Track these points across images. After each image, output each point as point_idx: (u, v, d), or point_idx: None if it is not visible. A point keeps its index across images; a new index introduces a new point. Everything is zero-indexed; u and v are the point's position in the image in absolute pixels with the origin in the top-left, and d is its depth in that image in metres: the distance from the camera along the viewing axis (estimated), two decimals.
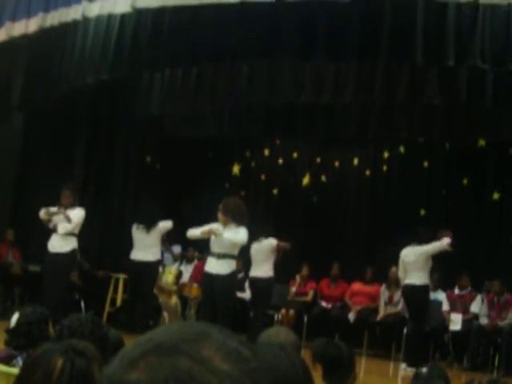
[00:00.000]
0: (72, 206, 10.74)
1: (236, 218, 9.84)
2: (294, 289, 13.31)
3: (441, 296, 12.51)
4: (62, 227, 10.63)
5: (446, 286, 12.58)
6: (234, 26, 9.99)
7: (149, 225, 11.67)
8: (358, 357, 8.12)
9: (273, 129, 14.16)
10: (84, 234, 10.97)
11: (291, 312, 13.01)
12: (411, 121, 12.95)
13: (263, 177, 15.60)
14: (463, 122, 12.55)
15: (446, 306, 12.35)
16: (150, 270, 11.70)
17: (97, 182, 13.88)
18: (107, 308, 12.86)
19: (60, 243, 10.70)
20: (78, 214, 10.74)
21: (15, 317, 4.26)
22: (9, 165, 13.12)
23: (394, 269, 12.26)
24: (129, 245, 11.87)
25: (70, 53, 10.98)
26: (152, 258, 11.67)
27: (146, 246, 11.64)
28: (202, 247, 12.64)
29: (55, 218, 10.76)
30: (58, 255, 10.63)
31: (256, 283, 11.59)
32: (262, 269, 11.48)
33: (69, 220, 10.61)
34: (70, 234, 10.74)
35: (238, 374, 0.93)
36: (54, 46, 11.32)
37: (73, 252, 10.76)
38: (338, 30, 9.62)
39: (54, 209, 10.79)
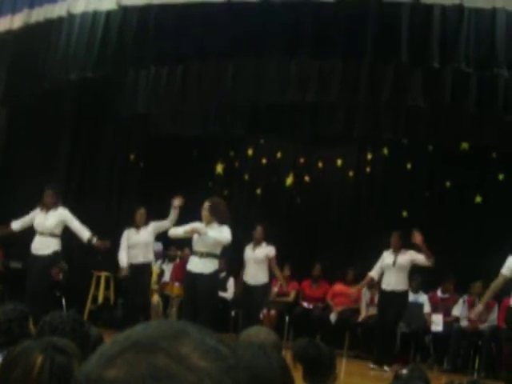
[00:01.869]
0: (55, 205, 10.70)
1: (220, 217, 9.85)
2: (275, 289, 13.30)
3: (422, 298, 12.55)
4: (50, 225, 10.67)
5: (428, 288, 12.62)
6: (220, 25, 9.98)
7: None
8: (339, 358, 8.15)
9: (257, 128, 14.15)
10: (66, 232, 10.93)
11: (273, 312, 13.00)
12: (395, 122, 12.96)
13: (247, 176, 15.60)
14: (447, 125, 12.59)
15: (427, 308, 12.39)
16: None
17: (80, 180, 13.84)
18: (88, 305, 12.83)
19: (42, 245, 10.63)
20: (65, 214, 10.74)
21: None
22: None
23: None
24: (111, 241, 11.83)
25: (55, 49, 10.93)
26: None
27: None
28: (183, 246, 12.63)
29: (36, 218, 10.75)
30: (39, 258, 10.56)
31: None
32: None
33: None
34: (53, 235, 10.68)
35: (216, 372, 0.93)
36: (38, 42, 11.28)
37: (54, 254, 10.68)
38: (324, 29, 9.62)
39: (29, 217, 10.79)
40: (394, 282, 11.28)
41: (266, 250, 11.72)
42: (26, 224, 10.77)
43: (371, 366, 11.26)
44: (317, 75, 11.48)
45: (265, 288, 12.05)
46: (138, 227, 11.44)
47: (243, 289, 12.05)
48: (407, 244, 11.30)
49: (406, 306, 11.59)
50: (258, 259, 11.68)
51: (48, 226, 10.63)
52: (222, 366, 0.94)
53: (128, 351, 0.93)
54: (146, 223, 11.48)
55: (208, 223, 9.85)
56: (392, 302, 11.25)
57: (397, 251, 11.35)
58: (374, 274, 11.59)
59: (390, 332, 11.42)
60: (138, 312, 11.15)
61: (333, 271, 13.52)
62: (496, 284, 9.56)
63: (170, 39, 10.36)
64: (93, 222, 13.68)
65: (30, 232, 10.84)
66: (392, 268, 11.30)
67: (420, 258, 11.18)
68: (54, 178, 12.45)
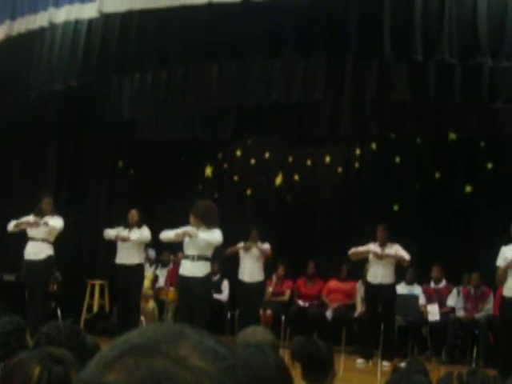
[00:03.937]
0: (51, 213, 10.86)
1: (206, 221, 9.84)
2: (270, 289, 13.30)
3: (417, 290, 12.56)
4: (44, 231, 10.75)
5: (421, 281, 12.65)
6: (201, 28, 9.96)
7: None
8: (337, 354, 8.14)
9: (244, 129, 14.12)
10: (58, 240, 10.96)
11: (268, 312, 13.00)
12: (382, 118, 12.95)
13: (236, 178, 15.58)
14: (433, 117, 12.59)
15: (422, 300, 12.41)
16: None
17: (69, 188, 13.82)
18: (84, 315, 12.81)
19: (35, 250, 10.75)
20: (58, 221, 10.86)
21: None
22: None
23: (368, 265, 12.31)
24: (104, 250, 11.82)
25: (38, 60, 10.90)
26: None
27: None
28: (176, 250, 12.62)
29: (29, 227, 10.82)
30: (33, 262, 10.68)
31: None
32: None
33: (46, 225, 10.70)
34: (45, 240, 10.78)
35: (215, 372, 0.93)
36: (21, 53, 11.24)
37: (49, 258, 10.80)
38: (306, 27, 9.60)
39: (24, 219, 10.82)
40: (381, 274, 11.29)
41: (262, 247, 11.79)
42: (22, 225, 10.83)
43: (358, 361, 11.28)
44: (301, 74, 11.46)
45: (260, 286, 12.06)
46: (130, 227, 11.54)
47: (239, 287, 12.08)
48: (393, 237, 11.37)
49: (396, 299, 11.60)
50: (253, 256, 11.71)
51: (42, 231, 10.76)
52: (221, 367, 0.94)
53: (126, 355, 0.93)
54: (139, 225, 11.54)
55: (196, 227, 9.85)
56: (381, 296, 11.28)
57: (384, 244, 11.38)
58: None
59: (387, 327, 11.41)
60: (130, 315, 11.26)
61: (327, 268, 13.54)
62: (500, 278, 9.69)
63: (152, 44, 10.34)
64: (83, 229, 13.72)
65: (22, 245, 10.87)
66: (379, 261, 11.32)
67: (403, 254, 11.20)
68: (43, 188, 12.42)
